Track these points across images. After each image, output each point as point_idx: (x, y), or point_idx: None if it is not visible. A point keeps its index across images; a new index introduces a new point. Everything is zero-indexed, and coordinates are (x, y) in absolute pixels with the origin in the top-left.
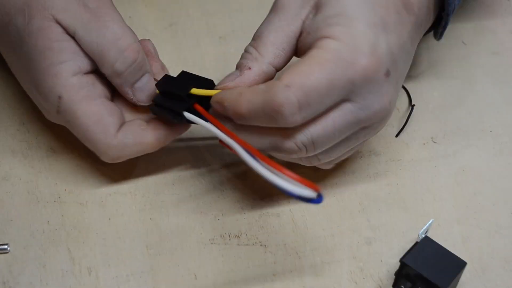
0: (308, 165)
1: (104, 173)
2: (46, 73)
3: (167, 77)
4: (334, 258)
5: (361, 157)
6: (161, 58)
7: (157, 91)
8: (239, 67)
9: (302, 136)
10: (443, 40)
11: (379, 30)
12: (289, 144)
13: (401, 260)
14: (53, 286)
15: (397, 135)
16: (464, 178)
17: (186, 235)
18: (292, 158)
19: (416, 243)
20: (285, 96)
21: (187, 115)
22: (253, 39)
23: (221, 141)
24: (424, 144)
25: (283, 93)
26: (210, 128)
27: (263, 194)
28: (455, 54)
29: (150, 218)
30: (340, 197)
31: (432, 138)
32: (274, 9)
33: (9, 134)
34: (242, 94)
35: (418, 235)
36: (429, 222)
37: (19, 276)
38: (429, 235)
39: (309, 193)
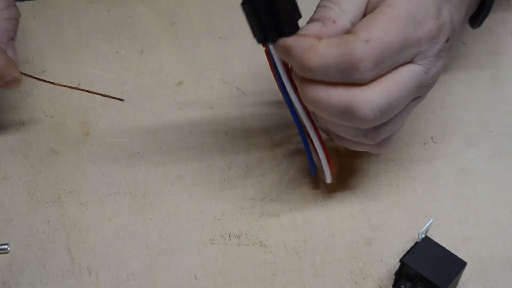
0: (363, 144)
1: (104, 173)
2: None
3: None
4: (334, 258)
5: (361, 157)
6: (161, 58)
7: None
8: (321, 19)
9: (380, 100)
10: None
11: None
12: (366, 110)
13: (401, 260)
14: (53, 286)
15: None
16: (464, 178)
17: (186, 235)
18: (352, 132)
19: (416, 243)
20: (365, 51)
21: (271, 47)
22: None
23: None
24: (424, 144)
25: (364, 48)
26: (280, 71)
27: (263, 194)
28: (455, 54)
29: (150, 218)
30: (340, 197)
31: (432, 138)
32: None
33: (9, 134)
34: (314, 47)
35: (418, 235)
36: (429, 222)
37: (19, 276)
38: (429, 235)
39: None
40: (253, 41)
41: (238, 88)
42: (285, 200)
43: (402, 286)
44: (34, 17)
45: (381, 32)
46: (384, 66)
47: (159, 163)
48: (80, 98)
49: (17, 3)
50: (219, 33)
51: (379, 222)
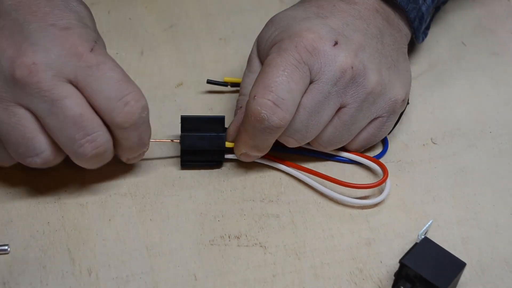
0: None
1: (104, 174)
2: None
3: (185, 136)
4: (333, 259)
5: None
6: (160, 59)
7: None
8: (236, 111)
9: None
10: (422, 41)
11: (313, 19)
12: (285, 138)
13: (400, 261)
14: (53, 286)
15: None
16: (463, 179)
17: (186, 236)
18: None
19: (416, 244)
20: (257, 104)
21: (227, 156)
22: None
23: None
24: (423, 145)
25: (255, 103)
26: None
27: (263, 195)
28: (455, 54)
29: (150, 219)
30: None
31: (431, 139)
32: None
33: None
34: (240, 131)
35: (418, 236)
36: (429, 223)
37: (19, 276)
38: (428, 236)
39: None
40: (252, 41)
41: (238, 89)
42: (285, 201)
43: (402, 287)
44: None
45: (262, 81)
46: (290, 100)
47: (159, 163)
48: None
49: None
50: (219, 34)
51: (378, 223)
